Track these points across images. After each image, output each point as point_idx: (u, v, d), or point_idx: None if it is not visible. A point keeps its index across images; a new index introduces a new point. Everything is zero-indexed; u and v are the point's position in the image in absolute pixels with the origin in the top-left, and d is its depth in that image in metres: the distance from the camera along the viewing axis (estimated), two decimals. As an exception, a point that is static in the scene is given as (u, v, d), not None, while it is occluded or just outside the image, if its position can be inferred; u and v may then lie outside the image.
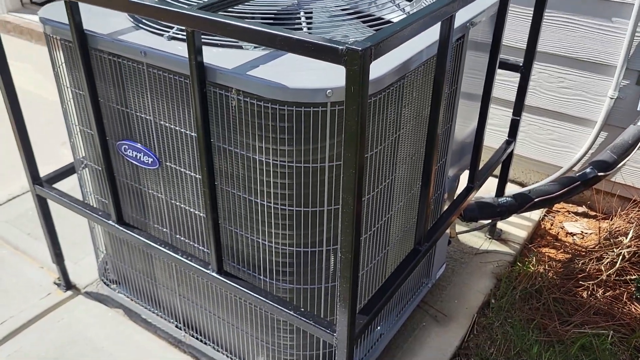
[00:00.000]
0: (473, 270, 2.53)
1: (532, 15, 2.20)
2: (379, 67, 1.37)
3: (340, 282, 1.37)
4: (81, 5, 1.52)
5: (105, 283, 2.30)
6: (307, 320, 1.52)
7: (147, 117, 1.64)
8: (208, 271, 1.69)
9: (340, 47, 1.08)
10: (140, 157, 1.72)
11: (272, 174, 1.46)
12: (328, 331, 1.48)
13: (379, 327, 2.04)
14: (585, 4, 2.57)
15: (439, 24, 1.40)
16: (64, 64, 1.78)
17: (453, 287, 2.43)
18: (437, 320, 2.27)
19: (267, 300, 1.59)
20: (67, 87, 1.83)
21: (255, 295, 1.61)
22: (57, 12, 1.70)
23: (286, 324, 1.75)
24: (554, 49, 2.73)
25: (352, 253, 1.31)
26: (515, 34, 2.78)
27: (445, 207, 2.09)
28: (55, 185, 2.12)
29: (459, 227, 2.71)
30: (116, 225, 1.89)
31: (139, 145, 1.71)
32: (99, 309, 2.27)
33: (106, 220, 1.91)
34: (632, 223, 2.69)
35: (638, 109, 2.48)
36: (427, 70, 1.61)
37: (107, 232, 2.13)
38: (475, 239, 2.71)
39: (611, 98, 2.66)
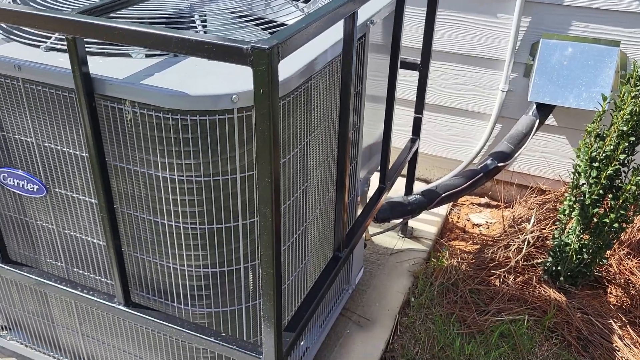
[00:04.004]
0: (390, 270, 2.52)
1: (425, 15, 2.23)
2: (285, 69, 1.30)
3: (263, 300, 1.27)
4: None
5: (-7, 331, 2.03)
6: (229, 346, 1.41)
7: (28, 140, 1.45)
8: (114, 305, 1.53)
9: (245, 47, 1.00)
10: (23, 185, 1.53)
11: (178, 191, 1.34)
12: (254, 354, 1.38)
13: (303, 341, 1.95)
14: (472, 2, 2.66)
15: (341, 22, 1.35)
16: None
17: (373, 290, 2.40)
18: (361, 325, 2.23)
19: (184, 329, 1.46)
20: None
21: (169, 324, 1.47)
22: None
23: (207, 351, 1.62)
24: (446, 47, 2.81)
25: (274, 268, 1.22)
26: (411, 34, 2.82)
27: (360, 211, 2.06)
28: None
29: (372, 229, 2.70)
30: (0, 265, 1.67)
31: (20, 172, 1.51)
32: (-12, 362, 2.01)
33: (-12, 261, 1.68)
34: (533, 209, 2.81)
35: (528, 99, 2.60)
36: (332, 72, 1.56)
37: (-10, 273, 1.88)
38: (388, 239, 2.70)
39: (502, 91, 2.77)
